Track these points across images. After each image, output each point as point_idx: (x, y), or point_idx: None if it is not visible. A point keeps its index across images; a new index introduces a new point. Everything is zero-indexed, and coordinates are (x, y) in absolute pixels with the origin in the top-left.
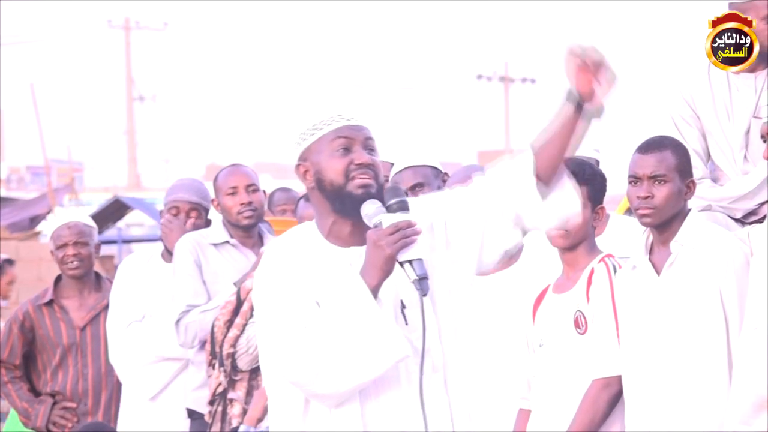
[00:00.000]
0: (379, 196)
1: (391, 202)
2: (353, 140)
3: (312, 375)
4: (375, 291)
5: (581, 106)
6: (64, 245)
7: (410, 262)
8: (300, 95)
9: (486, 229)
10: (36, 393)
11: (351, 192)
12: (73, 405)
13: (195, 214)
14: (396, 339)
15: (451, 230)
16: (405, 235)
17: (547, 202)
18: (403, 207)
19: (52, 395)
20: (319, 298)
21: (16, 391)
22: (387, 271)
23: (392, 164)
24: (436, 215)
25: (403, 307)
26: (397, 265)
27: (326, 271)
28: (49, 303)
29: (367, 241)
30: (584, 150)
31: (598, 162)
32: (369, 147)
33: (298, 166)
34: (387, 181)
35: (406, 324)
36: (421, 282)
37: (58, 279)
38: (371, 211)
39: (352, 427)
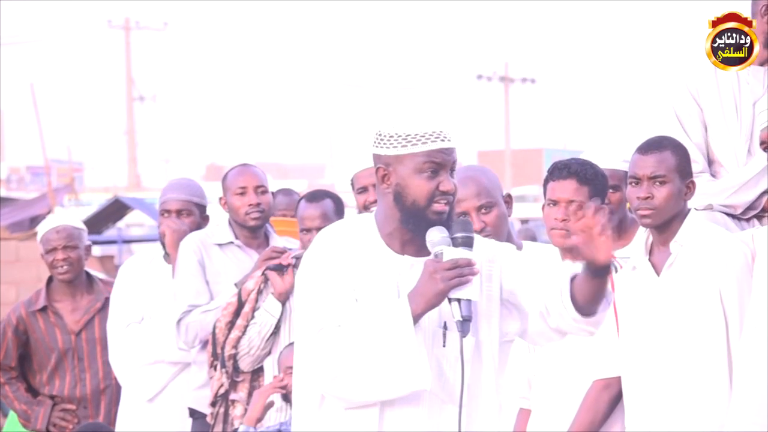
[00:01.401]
0: (448, 220)
1: (458, 235)
2: (443, 165)
3: (329, 376)
4: (417, 318)
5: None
6: (53, 249)
7: (459, 301)
8: (300, 95)
9: (524, 308)
10: (34, 392)
11: (428, 215)
12: (73, 407)
13: (186, 213)
14: (420, 371)
15: (505, 288)
16: (462, 273)
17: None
18: (468, 243)
19: (51, 397)
20: (359, 295)
21: (14, 393)
22: (435, 304)
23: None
24: (498, 267)
25: (446, 329)
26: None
27: (375, 271)
28: (43, 309)
29: (423, 268)
30: (614, 162)
31: (627, 173)
32: (453, 170)
33: (378, 168)
34: None
35: (444, 345)
36: (464, 324)
37: (50, 281)
38: (436, 238)
39: (367, 428)
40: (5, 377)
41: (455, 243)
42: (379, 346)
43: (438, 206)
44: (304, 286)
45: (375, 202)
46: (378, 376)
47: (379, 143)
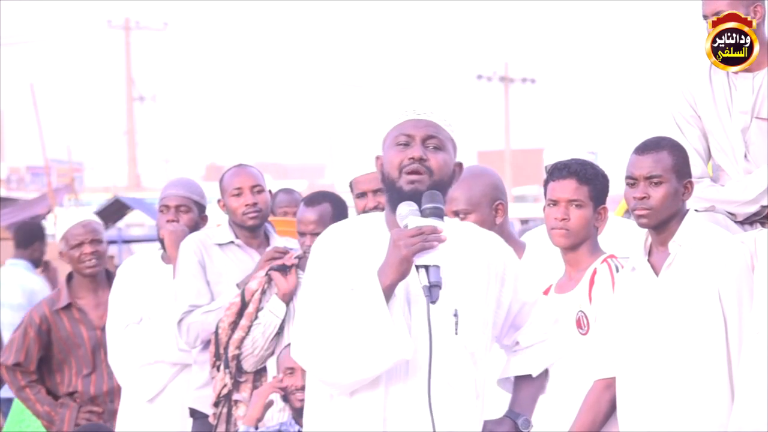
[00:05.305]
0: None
1: (426, 206)
2: (413, 136)
3: (316, 362)
4: (388, 290)
5: None
6: (80, 244)
7: (426, 267)
8: (300, 95)
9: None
10: (54, 396)
11: (401, 187)
12: (99, 409)
13: (184, 209)
14: (398, 340)
15: (503, 283)
16: (426, 239)
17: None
18: (437, 214)
19: (71, 395)
20: (357, 286)
21: (35, 395)
22: (402, 272)
23: None
24: (497, 261)
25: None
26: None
27: (379, 259)
28: (67, 306)
29: (390, 239)
30: (578, 152)
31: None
32: (428, 144)
33: (378, 158)
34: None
35: (410, 319)
36: (432, 289)
37: (69, 278)
38: (404, 212)
39: (373, 409)
40: (26, 380)
41: (424, 214)
42: (355, 323)
43: (409, 177)
44: (303, 282)
45: (375, 207)
46: (359, 353)
47: (378, 140)
